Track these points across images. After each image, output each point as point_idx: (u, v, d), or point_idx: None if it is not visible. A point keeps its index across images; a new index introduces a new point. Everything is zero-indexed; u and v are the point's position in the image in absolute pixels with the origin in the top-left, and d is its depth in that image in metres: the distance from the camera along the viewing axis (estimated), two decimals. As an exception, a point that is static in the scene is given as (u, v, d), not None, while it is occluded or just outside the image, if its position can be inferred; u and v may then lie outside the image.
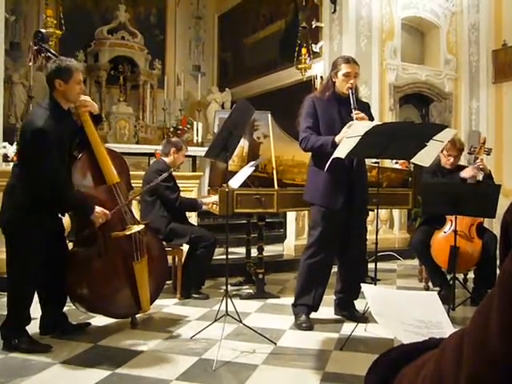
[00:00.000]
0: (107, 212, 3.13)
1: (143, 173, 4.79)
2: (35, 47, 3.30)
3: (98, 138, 3.28)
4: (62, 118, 3.02)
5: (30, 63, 3.60)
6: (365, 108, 3.52)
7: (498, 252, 0.75)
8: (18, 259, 2.97)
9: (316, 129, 3.44)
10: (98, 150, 3.24)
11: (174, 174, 4.63)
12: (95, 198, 3.18)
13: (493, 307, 0.49)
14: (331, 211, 3.42)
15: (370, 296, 1.73)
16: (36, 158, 2.91)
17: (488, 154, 4.31)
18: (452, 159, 4.30)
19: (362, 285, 1.85)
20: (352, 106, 3.27)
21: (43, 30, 3.42)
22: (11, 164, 4.94)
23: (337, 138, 3.23)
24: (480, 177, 4.29)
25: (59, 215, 3.28)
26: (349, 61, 3.45)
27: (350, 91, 3.34)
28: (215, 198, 4.47)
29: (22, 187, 2.96)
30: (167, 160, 4.57)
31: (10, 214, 2.98)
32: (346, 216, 3.46)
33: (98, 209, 3.09)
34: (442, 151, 4.29)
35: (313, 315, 3.59)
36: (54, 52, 3.41)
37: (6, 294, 3.10)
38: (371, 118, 3.47)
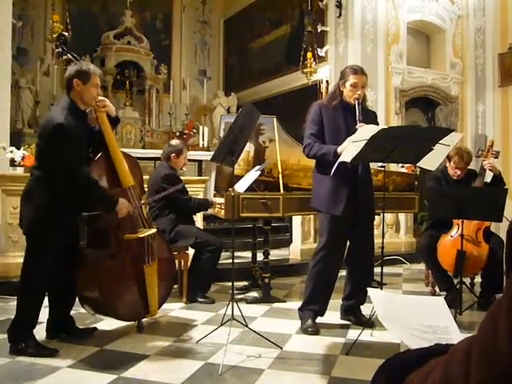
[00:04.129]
0: (129, 204, 3.21)
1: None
2: (58, 49, 3.36)
3: (115, 139, 3.33)
4: (79, 117, 3.08)
5: (56, 66, 3.69)
6: (372, 117, 3.53)
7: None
8: (37, 261, 2.98)
9: (320, 136, 3.45)
10: (115, 152, 3.29)
11: (180, 177, 4.64)
12: None
13: (501, 315, 0.49)
14: (337, 217, 3.42)
15: (377, 300, 1.72)
16: (59, 152, 2.94)
17: (496, 157, 4.29)
18: (459, 172, 4.28)
19: (368, 289, 1.85)
20: (357, 118, 3.27)
21: (65, 33, 3.49)
22: (18, 169, 4.97)
23: (339, 149, 3.24)
24: (488, 178, 4.27)
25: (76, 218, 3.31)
26: (357, 72, 3.45)
27: (356, 102, 3.35)
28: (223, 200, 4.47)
29: (41, 189, 2.98)
30: (170, 164, 4.57)
31: (31, 216, 2.99)
32: (353, 222, 3.46)
33: (121, 199, 3.17)
34: (449, 162, 4.28)
35: (319, 320, 3.58)
36: (75, 55, 3.46)
37: (13, 297, 3.12)
38: None
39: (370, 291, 1.76)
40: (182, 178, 4.69)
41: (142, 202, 3.48)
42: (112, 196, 3.17)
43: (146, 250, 3.35)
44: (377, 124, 3.54)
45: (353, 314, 3.71)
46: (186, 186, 4.66)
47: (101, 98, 3.25)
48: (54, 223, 2.97)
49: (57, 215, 2.97)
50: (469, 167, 4.39)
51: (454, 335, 1.30)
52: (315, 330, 3.46)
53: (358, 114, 3.29)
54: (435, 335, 1.31)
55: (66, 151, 2.93)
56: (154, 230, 3.43)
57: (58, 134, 2.91)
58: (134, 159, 3.60)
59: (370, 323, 3.39)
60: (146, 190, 3.75)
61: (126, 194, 3.29)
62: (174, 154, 4.54)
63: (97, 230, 3.34)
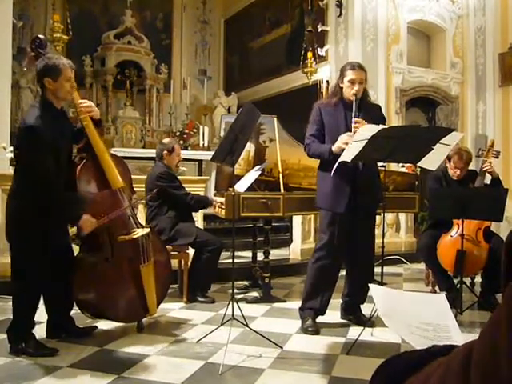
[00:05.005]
0: (94, 221, 3.06)
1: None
2: (32, 53, 3.27)
3: (101, 142, 3.26)
4: (54, 117, 3.00)
5: (25, 69, 3.58)
6: (376, 111, 3.55)
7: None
8: (23, 262, 2.95)
9: (320, 135, 3.49)
10: (102, 156, 3.23)
11: (179, 177, 4.64)
12: (100, 203, 3.18)
13: (502, 317, 0.48)
14: (337, 215, 3.42)
15: (378, 296, 1.72)
16: (27, 155, 2.90)
17: (496, 157, 4.29)
18: (458, 171, 4.26)
19: (369, 285, 1.85)
20: (353, 115, 3.30)
21: (41, 36, 3.36)
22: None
23: (333, 147, 3.30)
24: (488, 180, 4.27)
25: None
26: (354, 67, 3.47)
27: (353, 98, 3.36)
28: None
29: (22, 191, 2.95)
30: (164, 162, 4.56)
31: (15, 218, 2.97)
32: (354, 219, 3.45)
33: (86, 216, 3.03)
34: (449, 162, 4.28)
35: (319, 319, 3.58)
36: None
37: (11, 297, 3.11)
38: (382, 120, 3.46)
39: (372, 287, 1.76)
40: (182, 177, 4.70)
41: (133, 202, 3.45)
42: (76, 209, 3.03)
43: (140, 250, 3.32)
44: (382, 116, 3.57)
45: (353, 313, 3.71)
46: (187, 185, 4.66)
47: (87, 102, 3.17)
48: (35, 225, 2.92)
49: (38, 218, 2.90)
50: (469, 168, 4.38)
51: (454, 334, 1.30)
52: (315, 330, 3.46)
53: (354, 111, 3.31)
54: (435, 333, 1.31)
55: (32, 155, 2.87)
56: (147, 230, 3.41)
57: (26, 137, 2.85)
58: (122, 160, 3.52)
59: (370, 323, 3.39)
60: (135, 190, 3.71)
61: (117, 196, 3.26)
62: (165, 152, 4.54)
63: (90, 234, 3.31)
